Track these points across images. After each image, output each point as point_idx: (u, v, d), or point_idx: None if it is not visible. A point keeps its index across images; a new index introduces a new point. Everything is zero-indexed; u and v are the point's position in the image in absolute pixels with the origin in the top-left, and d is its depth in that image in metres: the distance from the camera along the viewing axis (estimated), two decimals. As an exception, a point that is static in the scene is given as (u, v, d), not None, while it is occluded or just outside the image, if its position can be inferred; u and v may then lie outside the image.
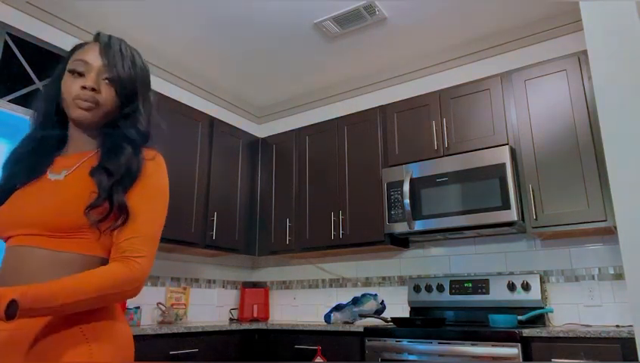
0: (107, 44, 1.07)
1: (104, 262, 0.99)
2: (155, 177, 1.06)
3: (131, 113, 1.08)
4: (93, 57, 1.05)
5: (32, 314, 0.84)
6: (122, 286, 0.93)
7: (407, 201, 2.83)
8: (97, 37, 1.10)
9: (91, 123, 1.06)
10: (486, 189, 2.63)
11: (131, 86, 1.08)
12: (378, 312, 3.04)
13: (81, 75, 1.04)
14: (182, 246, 3.09)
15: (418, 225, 2.82)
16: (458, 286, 2.91)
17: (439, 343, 2.37)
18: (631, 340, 1.92)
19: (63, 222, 0.96)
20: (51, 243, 0.96)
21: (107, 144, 1.06)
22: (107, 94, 1.05)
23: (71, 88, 1.03)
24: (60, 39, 2.85)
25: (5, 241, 1.01)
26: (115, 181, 0.99)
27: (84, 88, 1.02)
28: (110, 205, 0.97)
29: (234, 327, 3.01)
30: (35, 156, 1.06)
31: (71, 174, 1.03)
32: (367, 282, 3.44)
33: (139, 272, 0.95)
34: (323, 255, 3.58)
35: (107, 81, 1.05)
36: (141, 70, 1.12)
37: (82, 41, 1.14)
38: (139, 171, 1.03)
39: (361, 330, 2.64)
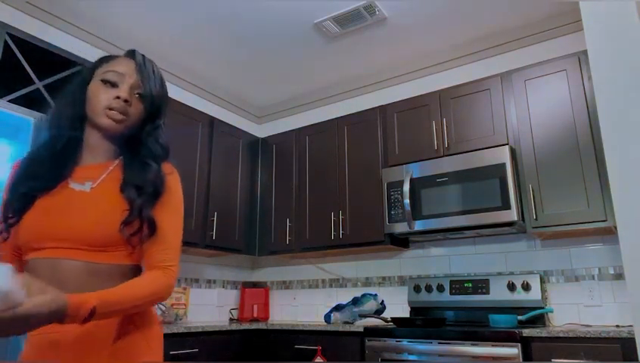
0: (142, 62, 1.12)
1: (132, 268, 1.07)
2: (176, 191, 1.14)
3: (153, 129, 1.13)
4: (128, 71, 1.10)
5: (100, 318, 0.91)
6: (164, 291, 1.05)
7: (407, 201, 2.82)
8: (132, 54, 1.14)
9: (117, 133, 1.09)
10: (486, 189, 2.63)
11: (158, 103, 1.14)
12: (378, 312, 3.04)
13: (114, 85, 1.08)
14: (182, 246, 3.08)
15: (418, 225, 2.82)
16: (458, 286, 2.91)
17: (439, 343, 2.37)
18: (631, 340, 1.92)
19: (98, 238, 1.01)
20: (86, 255, 1.00)
21: (131, 157, 1.11)
22: (137, 108, 1.10)
23: (102, 96, 1.06)
24: (60, 39, 2.85)
25: (32, 251, 1.01)
26: (145, 199, 1.05)
27: (117, 98, 1.06)
28: (141, 221, 1.04)
29: (234, 327, 3.01)
30: (55, 163, 1.06)
31: (97, 186, 1.06)
32: (367, 282, 3.44)
33: (173, 279, 1.07)
34: (323, 256, 3.58)
35: (137, 95, 1.10)
36: (166, 91, 1.18)
37: (108, 54, 1.18)
38: (164, 187, 1.10)
39: (361, 330, 2.64)
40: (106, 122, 1.06)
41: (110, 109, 1.06)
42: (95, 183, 1.06)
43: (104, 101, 1.06)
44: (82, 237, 0.99)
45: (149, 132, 1.12)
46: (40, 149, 1.09)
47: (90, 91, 1.08)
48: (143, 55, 1.15)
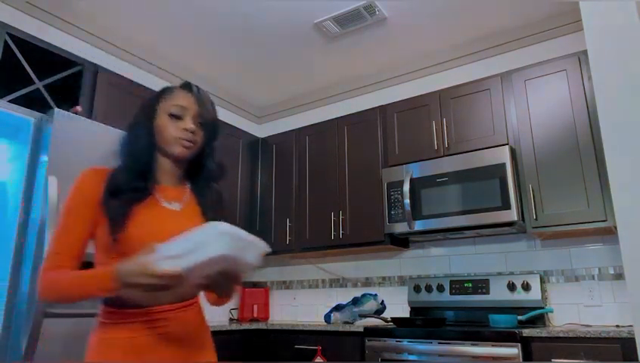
0: (198, 94, 1.28)
1: None
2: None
3: (211, 151, 1.32)
4: (189, 104, 1.26)
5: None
6: None
7: (407, 201, 2.82)
8: (189, 87, 1.30)
9: (185, 158, 1.27)
10: (486, 189, 2.63)
11: (215, 128, 1.31)
12: (378, 312, 3.04)
13: (179, 118, 1.24)
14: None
15: (418, 225, 2.82)
16: (458, 286, 2.91)
17: (439, 343, 2.37)
18: (631, 340, 1.92)
19: None
20: None
21: (197, 180, 1.31)
22: (199, 135, 1.26)
23: (171, 129, 1.23)
24: (60, 39, 2.85)
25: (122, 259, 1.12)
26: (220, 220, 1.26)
27: (185, 130, 1.23)
28: None
29: (234, 327, 3.01)
30: (141, 180, 1.20)
31: (185, 207, 1.26)
32: (367, 282, 3.44)
33: None
34: (323, 256, 3.58)
35: (199, 124, 1.26)
36: (217, 114, 1.34)
37: (169, 85, 1.35)
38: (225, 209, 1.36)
39: (361, 330, 2.64)
40: (178, 150, 1.23)
41: (180, 139, 1.22)
42: (182, 204, 1.26)
43: (174, 133, 1.22)
44: None
45: (208, 154, 1.31)
46: (123, 169, 1.21)
47: (159, 125, 1.24)
48: (197, 86, 1.31)
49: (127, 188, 1.16)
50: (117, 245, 1.12)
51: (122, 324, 1.13)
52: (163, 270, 0.98)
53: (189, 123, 1.23)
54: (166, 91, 1.30)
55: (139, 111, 1.29)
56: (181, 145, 1.23)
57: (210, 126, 1.29)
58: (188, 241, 1.01)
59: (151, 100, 1.29)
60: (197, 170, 1.31)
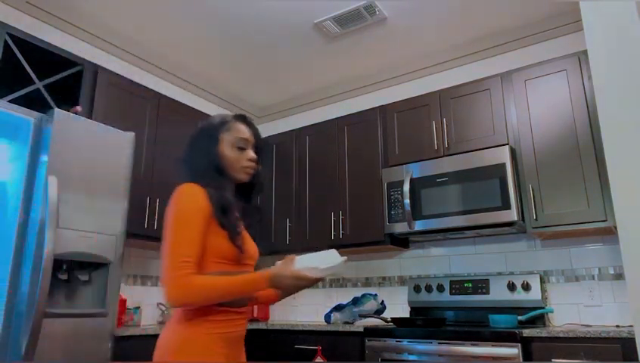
0: (251, 124, 1.48)
1: None
2: None
3: (260, 173, 1.49)
4: (249, 136, 1.45)
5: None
6: None
7: (407, 201, 2.82)
8: (245, 118, 1.48)
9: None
10: (486, 189, 2.63)
11: (264, 153, 1.51)
12: (378, 312, 3.04)
13: (242, 149, 1.42)
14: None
15: (418, 225, 2.82)
16: (458, 286, 2.91)
17: (439, 343, 2.37)
18: (631, 340, 1.92)
19: (257, 258, 1.47)
20: (252, 268, 1.42)
21: (243, 198, 1.47)
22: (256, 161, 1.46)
23: (238, 159, 1.42)
24: (60, 39, 2.85)
25: (241, 266, 1.34)
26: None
27: (250, 160, 1.43)
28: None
29: (234, 327, 3.00)
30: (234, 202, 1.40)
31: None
32: (367, 282, 3.44)
33: None
34: (323, 256, 3.57)
35: (255, 150, 1.45)
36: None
37: (227, 115, 1.50)
38: None
39: (362, 330, 2.64)
40: (244, 177, 1.43)
41: (246, 168, 1.42)
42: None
43: (241, 163, 1.42)
44: (256, 257, 1.45)
45: (258, 175, 1.48)
46: (220, 188, 1.35)
47: (224, 154, 1.40)
48: (248, 116, 1.49)
49: (231, 204, 1.34)
50: (241, 254, 1.32)
51: (222, 321, 1.28)
52: (314, 277, 1.29)
53: (252, 153, 1.43)
54: (224, 122, 1.45)
55: (202, 138, 1.44)
56: (247, 173, 1.43)
57: (262, 152, 1.49)
58: (326, 259, 1.35)
59: (213, 130, 1.44)
60: (244, 189, 1.48)
